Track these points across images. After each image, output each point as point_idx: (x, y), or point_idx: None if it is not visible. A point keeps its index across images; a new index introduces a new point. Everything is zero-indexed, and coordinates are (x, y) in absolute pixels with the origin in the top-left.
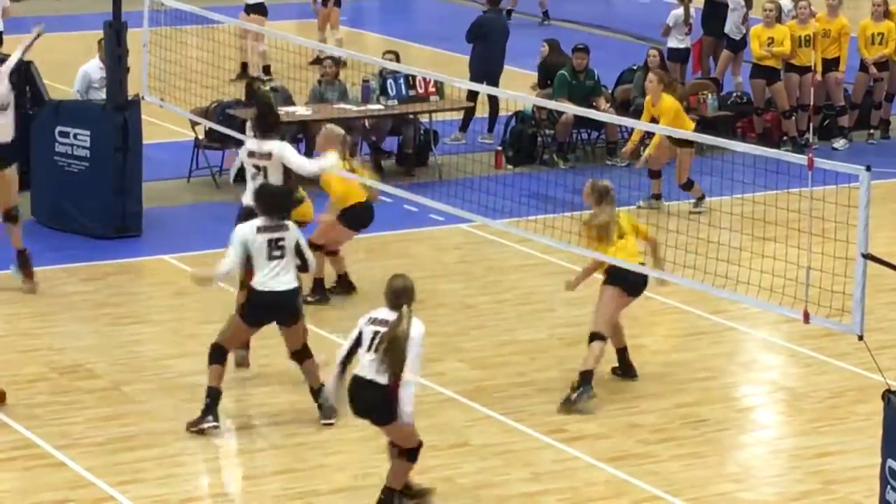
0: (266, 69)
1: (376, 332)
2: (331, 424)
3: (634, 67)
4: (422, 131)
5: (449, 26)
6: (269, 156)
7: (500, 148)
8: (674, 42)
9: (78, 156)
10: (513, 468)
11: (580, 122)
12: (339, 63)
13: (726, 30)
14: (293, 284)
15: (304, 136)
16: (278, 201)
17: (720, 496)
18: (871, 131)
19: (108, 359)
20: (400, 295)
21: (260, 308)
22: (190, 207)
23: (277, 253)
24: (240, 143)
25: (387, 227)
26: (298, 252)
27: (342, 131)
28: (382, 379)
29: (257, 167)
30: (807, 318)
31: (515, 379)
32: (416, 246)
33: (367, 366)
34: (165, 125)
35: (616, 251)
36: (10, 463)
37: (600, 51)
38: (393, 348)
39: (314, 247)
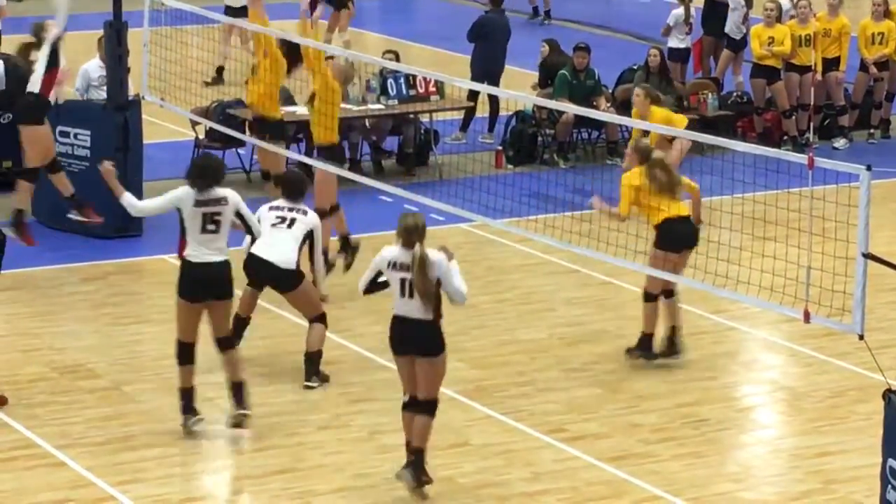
0: (219, 70)
1: (403, 279)
2: (239, 427)
3: (635, 67)
4: (422, 131)
5: (449, 26)
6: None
7: (500, 147)
8: (674, 42)
9: (78, 155)
10: (513, 468)
11: (580, 121)
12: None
13: (727, 29)
14: (224, 256)
15: (305, 135)
16: (211, 172)
17: (721, 496)
18: (872, 131)
19: (108, 358)
20: (412, 232)
21: (192, 279)
22: None
23: (212, 227)
24: (240, 143)
25: (387, 226)
26: (241, 219)
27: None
28: (428, 316)
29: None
30: (807, 317)
31: (516, 378)
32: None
33: (411, 308)
34: (166, 125)
35: (671, 208)
36: (10, 463)
37: (601, 50)
38: (426, 290)
39: (323, 212)
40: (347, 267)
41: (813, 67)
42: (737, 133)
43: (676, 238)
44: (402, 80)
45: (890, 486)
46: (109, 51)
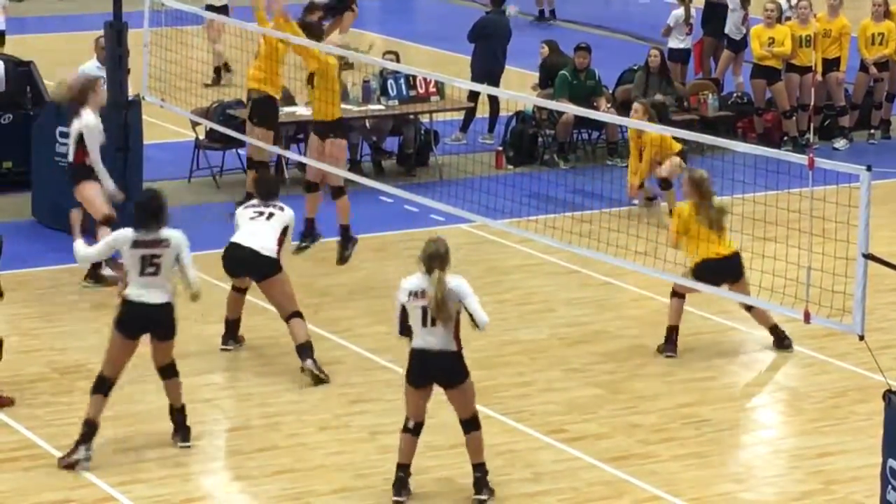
0: (224, 67)
1: (424, 308)
2: (188, 447)
3: (635, 67)
4: (422, 131)
5: (450, 26)
6: None
7: (500, 148)
8: (674, 42)
9: None
10: (514, 468)
11: (581, 122)
12: (341, 64)
13: (727, 30)
14: (166, 299)
15: (304, 135)
16: (153, 210)
17: (721, 496)
18: (872, 131)
19: None
20: (433, 258)
21: (131, 319)
22: (190, 208)
23: (151, 269)
24: (240, 143)
25: (388, 227)
26: (180, 268)
27: None
28: (452, 346)
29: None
30: (807, 318)
31: (516, 379)
32: (417, 246)
33: (432, 340)
34: (166, 125)
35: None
36: (11, 463)
37: (601, 51)
38: (444, 316)
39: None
40: (344, 260)
41: (813, 68)
42: (737, 134)
43: (712, 278)
44: (402, 81)
45: (890, 486)
46: (109, 51)
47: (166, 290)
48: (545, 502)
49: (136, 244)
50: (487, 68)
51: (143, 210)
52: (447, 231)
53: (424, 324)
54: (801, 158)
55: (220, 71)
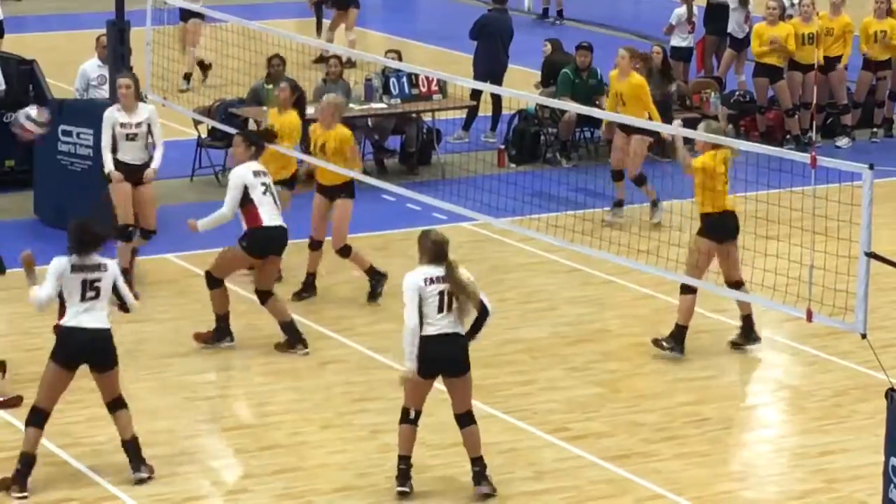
0: (202, 67)
1: (441, 292)
2: (143, 481)
3: (637, 66)
4: (425, 130)
5: (452, 25)
6: None
7: (503, 146)
8: (677, 41)
9: (81, 154)
10: (515, 467)
11: (583, 120)
12: (343, 62)
13: (729, 28)
14: (106, 325)
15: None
16: (91, 237)
17: (723, 495)
18: (875, 129)
19: None
20: (442, 246)
21: (70, 346)
22: (193, 206)
23: (91, 294)
24: None
25: (390, 225)
26: (117, 293)
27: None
28: (461, 330)
29: None
30: (810, 316)
31: (518, 377)
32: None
33: (444, 324)
34: (168, 124)
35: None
36: (12, 462)
37: (603, 49)
38: (470, 293)
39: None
40: (375, 297)
41: (816, 66)
42: (739, 132)
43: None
44: (404, 80)
45: (892, 484)
46: (111, 50)
47: (105, 314)
48: (547, 501)
49: (74, 268)
50: (490, 66)
51: (82, 233)
52: (449, 229)
53: (441, 309)
54: (803, 157)
55: (190, 77)
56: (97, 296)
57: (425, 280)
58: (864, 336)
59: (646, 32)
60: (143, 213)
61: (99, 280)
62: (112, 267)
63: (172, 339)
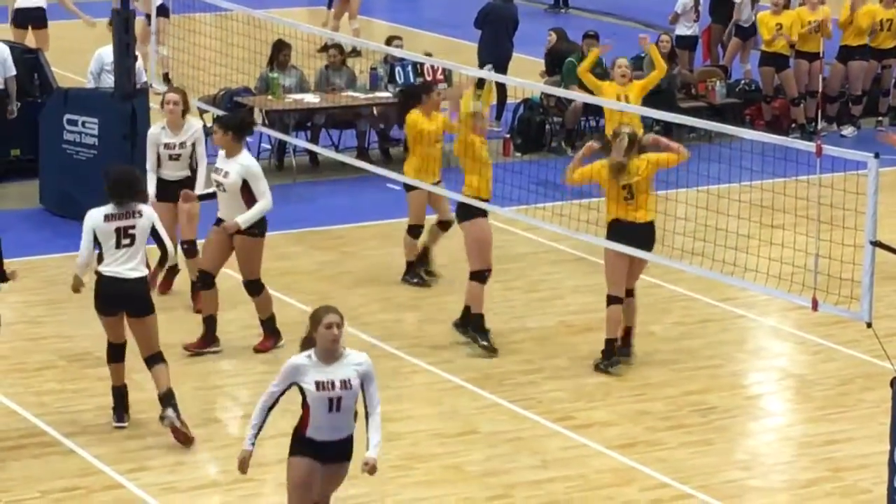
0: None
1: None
2: (121, 427)
3: (642, 54)
4: None
5: (456, 13)
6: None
7: (508, 135)
8: (682, 29)
9: (86, 144)
10: (521, 455)
11: (589, 109)
12: (343, 51)
13: (735, 19)
14: (142, 272)
15: (311, 123)
16: (125, 185)
17: (728, 483)
18: (880, 118)
19: None
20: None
21: (106, 295)
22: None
23: (126, 241)
24: None
25: (395, 214)
26: (156, 237)
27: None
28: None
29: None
30: (815, 305)
31: (524, 366)
32: (425, 233)
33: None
34: None
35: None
36: (19, 451)
37: (608, 38)
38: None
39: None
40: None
41: (821, 54)
42: (745, 121)
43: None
44: (409, 68)
45: None
46: (117, 39)
47: (141, 262)
48: (552, 489)
49: (108, 217)
50: (494, 55)
51: (117, 182)
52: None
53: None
54: (808, 146)
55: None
56: (132, 243)
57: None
58: (869, 325)
59: (651, 21)
60: (184, 227)
61: (133, 227)
62: (147, 212)
63: (179, 327)
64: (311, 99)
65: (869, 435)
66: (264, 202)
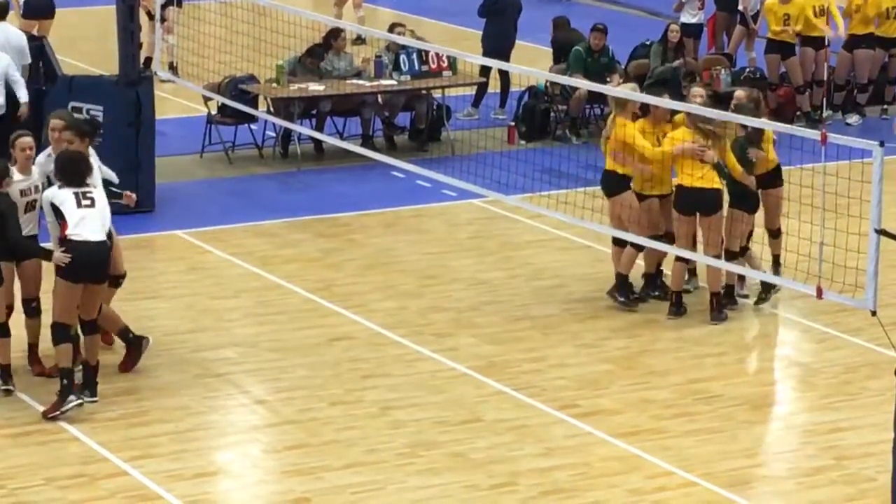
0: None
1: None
2: (94, 401)
3: (648, 42)
4: (434, 107)
5: (461, 1)
6: None
7: (512, 123)
8: (687, 17)
9: None
10: (525, 443)
11: (593, 97)
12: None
13: (740, 5)
14: (104, 237)
15: (316, 111)
16: (73, 168)
17: (733, 472)
18: (885, 107)
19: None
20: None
21: (75, 259)
22: (202, 182)
23: (87, 202)
24: (252, 119)
25: (400, 202)
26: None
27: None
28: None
29: None
30: (820, 293)
31: (528, 354)
32: (430, 221)
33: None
34: (178, 101)
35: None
36: (24, 438)
37: (613, 26)
38: None
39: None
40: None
41: (827, 42)
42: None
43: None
44: (414, 56)
45: None
46: (121, 26)
47: (104, 226)
48: (556, 478)
49: (62, 187)
50: (498, 43)
51: (66, 165)
52: (460, 206)
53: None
54: (813, 134)
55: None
56: (92, 204)
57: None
58: (874, 313)
59: (655, 9)
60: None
61: (90, 192)
62: (99, 183)
63: (183, 316)
64: (316, 87)
65: (873, 423)
66: None
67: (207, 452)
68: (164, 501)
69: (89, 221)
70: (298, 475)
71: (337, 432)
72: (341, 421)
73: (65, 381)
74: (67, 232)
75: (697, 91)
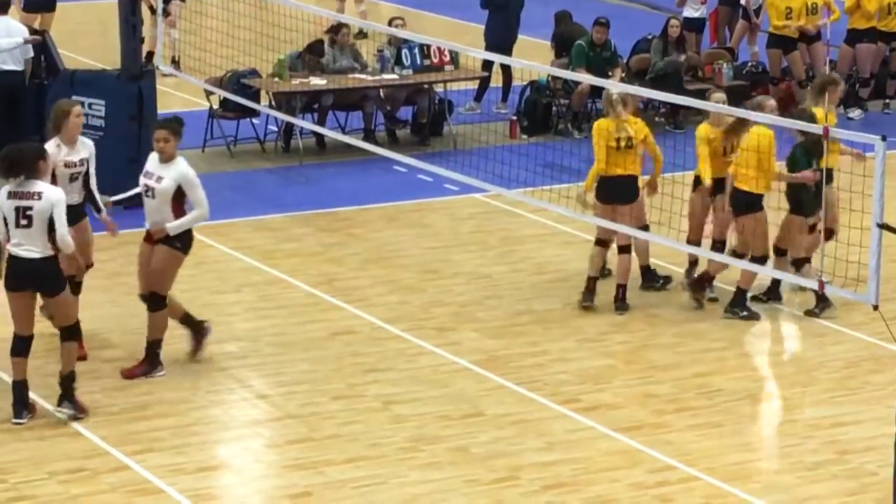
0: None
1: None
2: (19, 423)
3: (650, 37)
4: (436, 101)
5: None
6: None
7: (514, 117)
8: (689, 11)
9: (93, 125)
10: (527, 438)
11: (595, 92)
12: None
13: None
14: (45, 253)
15: (318, 105)
16: (16, 160)
17: (734, 466)
18: (887, 101)
19: (123, 328)
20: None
21: (13, 273)
22: (204, 177)
23: (24, 222)
24: (254, 113)
25: (401, 196)
26: (51, 224)
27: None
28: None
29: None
30: (822, 287)
31: (530, 349)
32: (431, 215)
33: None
34: (180, 95)
35: None
36: (26, 432)
37: (615, 20)
38: None
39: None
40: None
41: (827, 38)
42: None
43: None
44: (416, 50)
45: None
46: (123, 20)
47: (42, 242)
48: (558, 472)
49: (10, 195)
50: (501, 37)
51: (8, 157)
52: (462, 200)
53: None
54: (816, 128)
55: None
56: (29, 224)
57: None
58: (875, 307)
59: (658, 4)
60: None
61: (31, 208)
62: (50, 196)
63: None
64: (318, 81)
65: (875, 417)
66: (199, 211)
67: (209, 447)
68: (165, 496)
69: (26, 240)
70: (300, 469)
71: (339, 427)
72: (343, 415)
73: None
74: (8, 246)
75: (719, 97)
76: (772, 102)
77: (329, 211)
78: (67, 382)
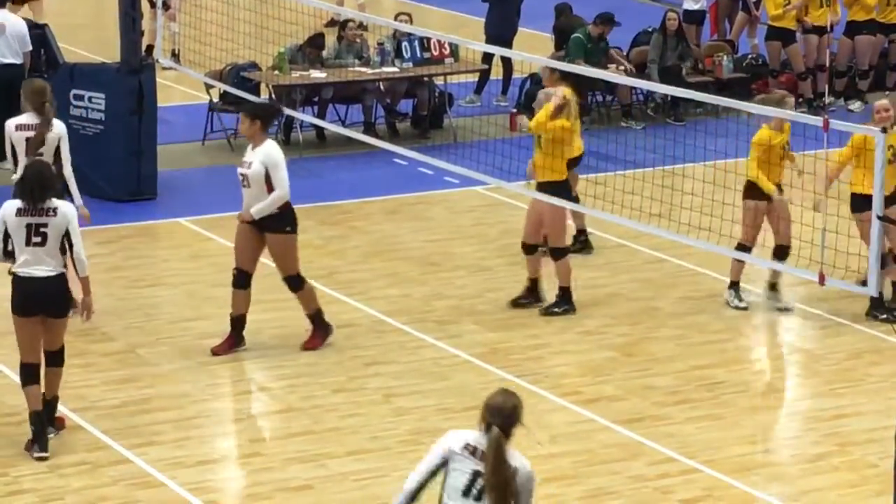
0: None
1: (475, 473)
2: (44, 458)
3: (650, 29)
4: (437, 94)
5: None
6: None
7: (515, 110)
8: (689, 4)
9: (93, 119)
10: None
11: (592, 83)
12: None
13: None
14: (58, 270)
15: (318, 98)
16: (47, 185)
17: (735, 458)
18: (887, 93)
19: (123, 322)
20: (495, 414)
21: (23, 295)
22: (205, 170)
23: (37, 239)
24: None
25: (402, 189)
26: (68, 239)
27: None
28: None
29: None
30: (822, 279)
31: (531, 341)
32: (432, 208)
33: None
34: (180, 88)
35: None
36: (27, 425)
37: (616, 13)
38: (498, 490)
39: (560, 251)
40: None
41: (829, 28)
42: (752, 95)
43: None
44: (416, 43)
45: None
46: (123, 13)
47: (57, 260)
48: (559, 464)
49: (20, 212)
50: (501, 30)
51: (31, 180)
52: (462, 193)
53: (467, 494)
54: (815, 120)
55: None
56: (43, 242)
57: (465, 447)
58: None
59: None
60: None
61: (46, 225)
62: (66, 211)
63: (186, 303)
64: (318, 74)
65: (876, 409)
66: (279, 192)
67: (210, 440)
68: (167, 489)
69: (38, 259)
70: (301, 462)
71: (340, 419)
72: (344, 408)
73: None
74: (14, 268)
75: (791, 101)
76: (790, 99)
77: (329, 204)
78: (53, 406)
